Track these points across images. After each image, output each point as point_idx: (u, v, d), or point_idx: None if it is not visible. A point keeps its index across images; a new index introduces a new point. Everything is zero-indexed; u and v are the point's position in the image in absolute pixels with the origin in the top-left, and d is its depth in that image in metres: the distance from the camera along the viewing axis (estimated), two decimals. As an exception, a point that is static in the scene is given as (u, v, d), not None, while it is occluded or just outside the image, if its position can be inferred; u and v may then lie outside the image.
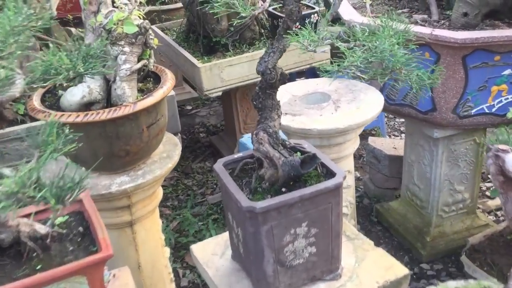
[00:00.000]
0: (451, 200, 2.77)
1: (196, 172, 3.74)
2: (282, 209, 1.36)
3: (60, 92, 1.75)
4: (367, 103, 2.12)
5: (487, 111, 2.31)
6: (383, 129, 3.95)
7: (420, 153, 2.74)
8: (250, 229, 1.38)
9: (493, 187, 3.32)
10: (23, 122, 2.28)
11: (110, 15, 1.60)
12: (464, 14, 2.12)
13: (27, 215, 1.28)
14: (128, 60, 1.67)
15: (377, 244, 2.93)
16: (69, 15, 3.18)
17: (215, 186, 3.54)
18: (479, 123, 2.37)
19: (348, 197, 2.30)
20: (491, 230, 2.60)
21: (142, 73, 1.83)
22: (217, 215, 3.19)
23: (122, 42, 1.64)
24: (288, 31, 1.36)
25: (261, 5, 1.35)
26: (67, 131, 0.96)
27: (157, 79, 1.88)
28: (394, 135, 4.14)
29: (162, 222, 3.08)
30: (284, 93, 2.22)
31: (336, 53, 1.25)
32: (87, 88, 1.65)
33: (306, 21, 2.90)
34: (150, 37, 1.71)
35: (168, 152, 1.94)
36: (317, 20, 3.05)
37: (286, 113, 2.06)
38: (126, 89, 1.68)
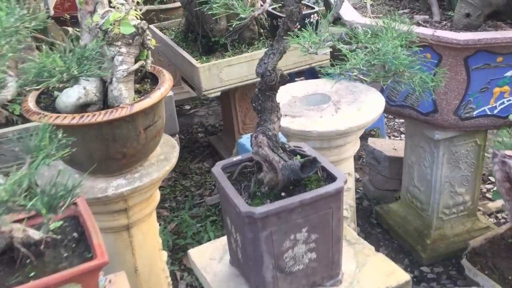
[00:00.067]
0: (451, 202, 2.75)
1: (194, 172, 3.71)
2: (282, 214, 1.33)
3: (56, 93, 1.72)
4: (368, 104, 2.09)
5: (489, 112, 2.29)
6: (382, 129, 3.93)
7: (421, 155, 2.72)
8: (249, 234, 1.36)
9: (494, 189, 3.30)
10: (19, 122, 2.25)
11: (107, 15, 1.57)
12: (466, 15, 2.09)
13: (20, 220, 1.24)
14: (125, 61, 1.64)
15: (377, 246, 2.93)
16: (66, 15, 3.15)
17: (213, 187, 3.51)
18: (481, 125, 2.35)
19: (348, 200, 2.27)
20: (492, 233, 2.58)
21: (139, 74, 1.80)
22: (216, 216, 3.17)
23: (119, 43, 1.61)
24: (288, 32, 1.33)
25: (261, 5, 1.32)
26: (60, 135, 0.92)
27: (154, 80, 1.85)
28: (393, 135, 4.11)
29: (160, 224, 3.06)
30: (284, 94, 2.19)
31: (337, 55, 1.22)
32: (83, 89, 1.61)
33: (306, 21, 2.88)
34: (148, 37, 1.68)
35: (165, 154, 1.91)
36: (317, 20, 3.02)
37: (285, 115, 2.03)
38: (123, 91, 1.65)
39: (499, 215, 3.12)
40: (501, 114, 2.29)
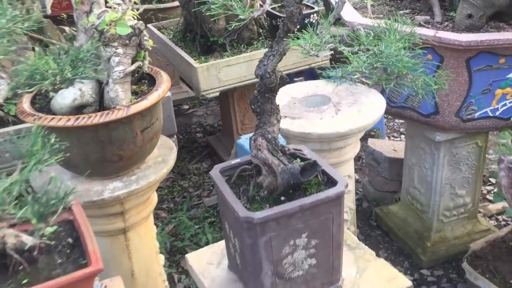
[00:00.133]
0: (452, 204, 2.72)
1: (193, 173, 3.68)
2: (281, 219, 1.30)
3: (51, 94, 1.69)
4: (369, 106, 2.07)
5: (490, 114, 2.26)
6: (382, 130, 3.90)
7: (421, 156, 2.69)
8: (247, 240, 1.33)
9: (495, 191, 3.28)
10: (14, 123, 2.22)
11: (103, 15, 1.54)
12: (468, 15, 2.06)
13: (13, 225, 1.21)
14: (122, 62, 1.60)
15: (377, 249, 2.90)
16: (63, 14, 3.11)
17: (211, 187, 3.48)
18: (483, 127, 2.32)
19: (348, 203, 2.24)
20: (493, 236, 2.56)
21: (136, 75, 1.76)
22: (214, 218, 3.14)
23: (115, 44, 1.58)
24: (288, 33, 1.30)
25: (260, 5, 1.28)
26: (53, 139, 0.89)
27: (152, 81, 1.82)
28: (393, 136, 4.09)
29: (158, 225, 3.03)
30: (283, 95, 2.16)
31: (338, 58, 1.19)
32: (79, 90, 1.58)
33: (306, 21, 2.85)
34: (145, 38, 1.65)
35: (163, 156, 1.88)
36: (316, 20, 2.99)
37: (285, 116, 2.00)
38: (119, 92, 1.62)
39: (499, 217, 3.10)
40: (503, 116, 2.26)
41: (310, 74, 3.88)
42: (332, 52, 1.12)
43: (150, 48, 1.70)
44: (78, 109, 1.64)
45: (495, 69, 2.12)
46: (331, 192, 1.35)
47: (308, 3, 3.12)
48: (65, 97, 1.59)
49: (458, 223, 2.79)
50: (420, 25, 2.23)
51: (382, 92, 2.28)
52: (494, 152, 3.63)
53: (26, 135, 0.96)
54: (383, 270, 1.58)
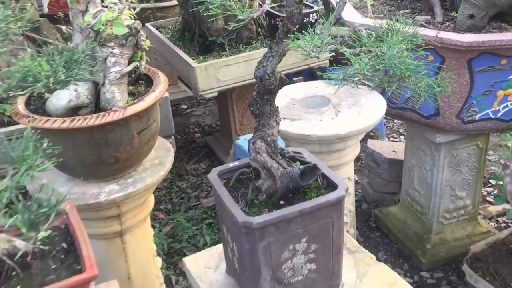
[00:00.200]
0: (452, 206, 2.70)
1: (191, 174, 3.65)
2: (281, 224, 1.28)
3: (46, 95, 1.66)
4: (369, 107, 2.04)
5: (492, 116, 2.24)
6: (381, 130, 3.87)
7: (421, 158, 2.67)
8: (246, 245, 1.30)
9: (495, 192, 3.25)
10: (10, 123, 2.20)
11: (99, 15, 1.50)
12: (470, 16, 2.04)
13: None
14: (118, 62, 1.57)
15: (376, 250, 2.88)
16: (60, 13, 3.08)
17: (209, 188, 3.45)
18: (484, 128, 2.30)
19: (348, 205, 2.22)
20: (493, 238, 2.54)
21: (133, 75, 1.73)
22: (212, 219, 3.11)
23: (112, 44, 1.55)
24: (288, 34, 1.28)
25: (259, 4, 1.26)
26: (45, 144, 0.86)
27: (149, 81, 1.79)
28: (393, 136, 4.06)
29: (155, 227, 3.01)
30: (282, 96, 2.13)
31: (339, 59, 1.17)
32: (74, 91, 1.55)
33: (305, 21, 2.83)
34: (142, 38, 1.62)
35: (160, 158, 1.85)
36: (315, 20, 2.97)
37: (284, 118, 1.97)
38: (115, 93, 1.59)
39: (499, 219, 3.08)
40: (504, 118, 2.24)
41: (309, 74, 3.85)
42: (333, 53, 1.09)
43: (147, 48, 1.67)
44: (73, 111, 1.61)
45: (497, 70, 2.09)
46: (331, 196, 1.32)
47: (307, 3, 3.09)
48: (60, 98, 1.56)
49: (458, 225, 2.77)
50: (421, 25, 2.20)
51: (383, 93, 2.25)
52: (494, 153, 3.62)
53: (18, 136, 0.93)
54: (384, 274, 1.55)
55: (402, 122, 3.99)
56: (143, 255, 1.95)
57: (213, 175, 1.46)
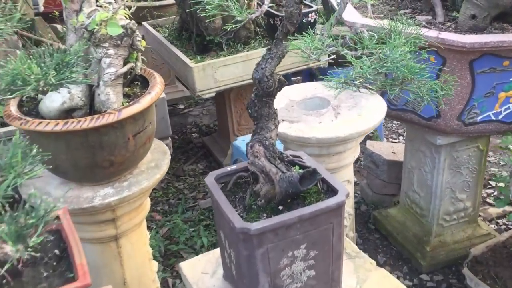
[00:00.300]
0: (452, 208, 2.67)
1: (188, 174, 3.61)
2: (279, 230, 1.25)
3: (40, 96, 1.62)
4: (369, 109, 2.01)
5: (493, 118, 2.21)
6: (380, 131, 3.84)
7: (421, 160, 2.64)
8: (243, 251, 1.27)
9: (495, 194, 3.23)
10: (3, 124, 2.15)
11: (93, 14, 1.47)
12: (472, 16, 2.01)
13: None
14: (113, 63, 1.54)
15: (375, 253, 2.85)
16: (55, 11, 3.04)
17: (207, 189, 3.42)
18: (485, 131, 2.27)
19: (347, 208, 2.18)
20: (494, 240, 2.51)
21: (128, 77, 1.70)
22: (209, 220, 3.07)
23: (106, 44, 1.51)
24: (287, 35, 1.24)
25: (258, 3, 1.22)
26: (35, 150, 0.83)
27: (145, 82, 1.75)
28: (392, 137, 4.03)
29: (152, 228, 2.97)
30: (281, 98, 2.09)
31: (341, 62, 1.13)
32: (68, 93, 1.51)
33: (304, 20, 2.79)
34: (137, 38, 1.58)
35: (156, 161, 1.81)
36: (314, 19, 2.93)
37: (283, 120, 1.94)
38: (110, 95, 1.55)
39: (499, 221, 3.06)
40: (506, 120, 2.21)
41: (308, 74, 3.82)
42: (334, 56, 1.06)
43: (143, 49, 1.63)
44: (67, 113, 1.57)
45: (499, 72, 2.06)
46: (331, 201, 1.29)
47: (306, 2, 3.06)
48: (54, 100, 1.52)
49: (458, 227, 2.75)
50: (422, 25, 2.17)
51: (383, 94, 2.22)
52: (493, 155, 3.59)
53: (6, 141, 0.89)
54: (384, 280, 1.53)
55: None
56: (139, 259, 1.91)
57: (210, 179, 1.43)
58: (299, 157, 1.46)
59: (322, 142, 1.88)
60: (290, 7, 1.18)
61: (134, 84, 1.75)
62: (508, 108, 2.18)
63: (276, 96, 1.36)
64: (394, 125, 4.18)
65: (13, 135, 1.68)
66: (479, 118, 2.20)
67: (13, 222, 0.75)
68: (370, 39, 1.08)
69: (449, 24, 2.15)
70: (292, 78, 4.03)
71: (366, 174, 3.28)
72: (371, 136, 3.80)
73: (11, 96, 0.89)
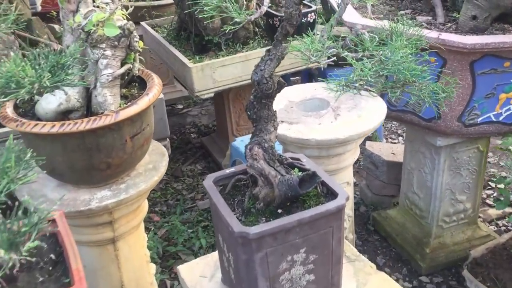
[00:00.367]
0: (452, 210, 2.66)
1: (186, 175, 3.59)
2: (279, 234, 1.23)
3: (36, 97, 1.60)
4: (369, 111, 1.99)
5: (494, 119, 2.19)
6: (380, 132, 3.83)
7: (421, 161, 2.62)
8: (242, 256, 1.26)
9: (494, 195, 3.22)
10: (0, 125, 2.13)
11: (90, 15, 1.45)
12: (473, 17, 1.99)
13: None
14: (110, 64, 1.52)
15: (374, 254, 2.83)
16: (53, 11, 3.01)
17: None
18: (485, 132, 2.25)
19: (347, 210, 2.17)
20: (494, 242, 2.50)
21: (126, 78, 1.68)
22: (208, 221, 3.06)
23: (103, 45, 1.49)
24: (287, 36, 1.23)
25: (256, 6, 1.20)
26: (28, 155, 0.81)
27: (142, 83, 1.73)
28: (391, 137, 4.02)
29: (150, 229, 2.95)
30: (280, 99, 2.08)
31: (342, 64, 1.12)
32: (65, 95, 1.49)
33: (303, 21, 2.77)
34: (135, 39, 1.56)
35: (154, 163, 1.79)
36: (314, 19, 2.92)
37: (282, 121, 1.92)
38: (107, 96, 1.53)
39: (499, 222, 3.04)
40: (506, 121, 2.20)
41: (307, 74, 3.80)
42: (334, 58, 1.04)
43: (141, 50, 1.61)
44: (64, 114, 1.55)
45: (500, 73, 2.05)
46: (331, 205, 1.28)
47: (306, 2, 3.04)
48: (50, 102, 1.50)
49: (458, 229, 2.73)
50: (422, 26, 2.15)
51: (382, 95, 2.20)
52: (493, 156, 3.58)
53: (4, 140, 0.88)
54: (384, 284, 1.51)
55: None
56: (137, 262, 1.89)
57: (208, 182, 1.42)
58: (298, 159, 1.44)
59: (321, 144, 1.86)
60: (290, 8, 1.16)
61: (132, 85, 1.73)
62: (509, 109, 2.16)
63: (275, 98, 1.35)
64: (393, 125, 4.16)
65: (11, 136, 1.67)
66: (479, 119, 2.19)
67: (6, 229, 0.73)
68: (371, 40, 1.06)
69: (449, 24, 2.13)
70: (291, 78, 4.01)
71: (365, 175, 3.27)
72: (370, 136, 3.79)
73: (4, 99, 0.87)
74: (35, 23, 2.55)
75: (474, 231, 2.77)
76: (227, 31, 0.96)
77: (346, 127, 1.89)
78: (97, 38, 1.47)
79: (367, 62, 1.00)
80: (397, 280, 2.62)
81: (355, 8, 2.38)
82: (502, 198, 2.47)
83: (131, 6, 1.59)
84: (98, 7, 1.48)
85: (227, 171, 1.46)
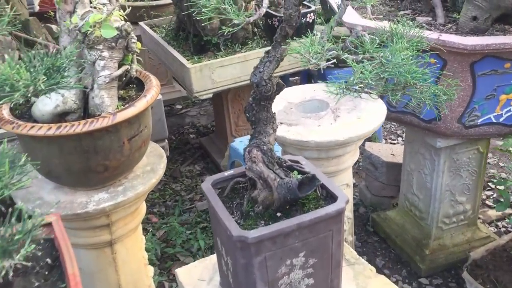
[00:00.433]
0: (452, 211, 2.65)
1: (185, 176, 3.58)
2: (278, 238, 1.22)
3: (33, 99, 1.58)
4: (369, 112, 1.97)
5: (494, 120, 2.18)
6: (379, 132, 3.81)
7: (421, 162, 2.61)
8: (241, 260, 1.24)
9: (494, 196, 3.20)
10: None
11: (87, 16, 1.43)
12: (473, 18, 1.97)
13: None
14: (107, 66, 1.50)
15: (374, 256, 2.82)
16: (50, 11, 2.99)
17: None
18: (486, 133, 2.24)
19: (346, 212, 2.14)
20: (494, 244, 2.48)
21: (123, 79, 1.66)
22: (206, 223, 3.04)
23: (101, 46, 1.47)
24: (286, 38, 1.21)
25: (255, 7, 1.19)
26: (23, 160, 0.79)
27: (140, 85, 1.72)
28: (390, 138, 4.01)
29: (148, 231, 2.94)
30: (279, 100, 2.06)
31: (342, 66, 1.10)
32: (61, 96, 1.48)
33: (302, 21, 2.76)
34: (133, 40, 1.54)
35: (152, 165, 1.78)
36: (313, 20, 2.90)
37: (281, 123, 1.91)
38: (105, 98, 1.52)
39: (499, 223, 3.03)
40: (507, 122, 2.18)
41: (306, 74, 3.79)
42: (334, 60, 1.03)
43: (139, 51, 1.60)
44: (61, 116, 1.53)
45: (500, 74, 2.03)
46: (331, 208, 1.26)
47: (305, 2, 3.03)
48: (47, 104, 1.48)
49: (457, 230, 2.72)
50: (422, 27, 2.14)
51: (382, 96, 2.19)
52: (493, 156, 3.57)
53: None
54: (384, 288, 1.50)
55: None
56: (134, 264, 1.88)
57: (206, 185, 1.40)
58: (298, 162, 1.43)
59: (321, 146, 1.84)
60: (289, 9, 1.15)
61: (130, 86, 1.72)
62: (509, 110, 2.15)
63: (274, 100, 1.33)
64: (392, 126, 4.15)
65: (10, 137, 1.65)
66: (479, 120, 2.17)
67: (-1, 237, 0.72)
68: (371, 42, 1.05)
69: (449, 25, 2.12)
70: (290, 79, 4.00)
71: (365, 176, 3.25)
72: (370, 137, 3.77)
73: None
74: (33, 23, 2.53)
75: (474, 233, 2.76)
76: (225, 33, 0.94)
77: (345, 128, 1.87)
78: (94, 39, 1.45)
79: (367, 64, 0.99)
80: (396, 282, 2.60)
81: (354, 9, 2.36)
82: (502, 200, 2.45)
83: (128, 7, 1.57)
84: (95, 8, 1.46)
85: (226, 173, 1.44)
